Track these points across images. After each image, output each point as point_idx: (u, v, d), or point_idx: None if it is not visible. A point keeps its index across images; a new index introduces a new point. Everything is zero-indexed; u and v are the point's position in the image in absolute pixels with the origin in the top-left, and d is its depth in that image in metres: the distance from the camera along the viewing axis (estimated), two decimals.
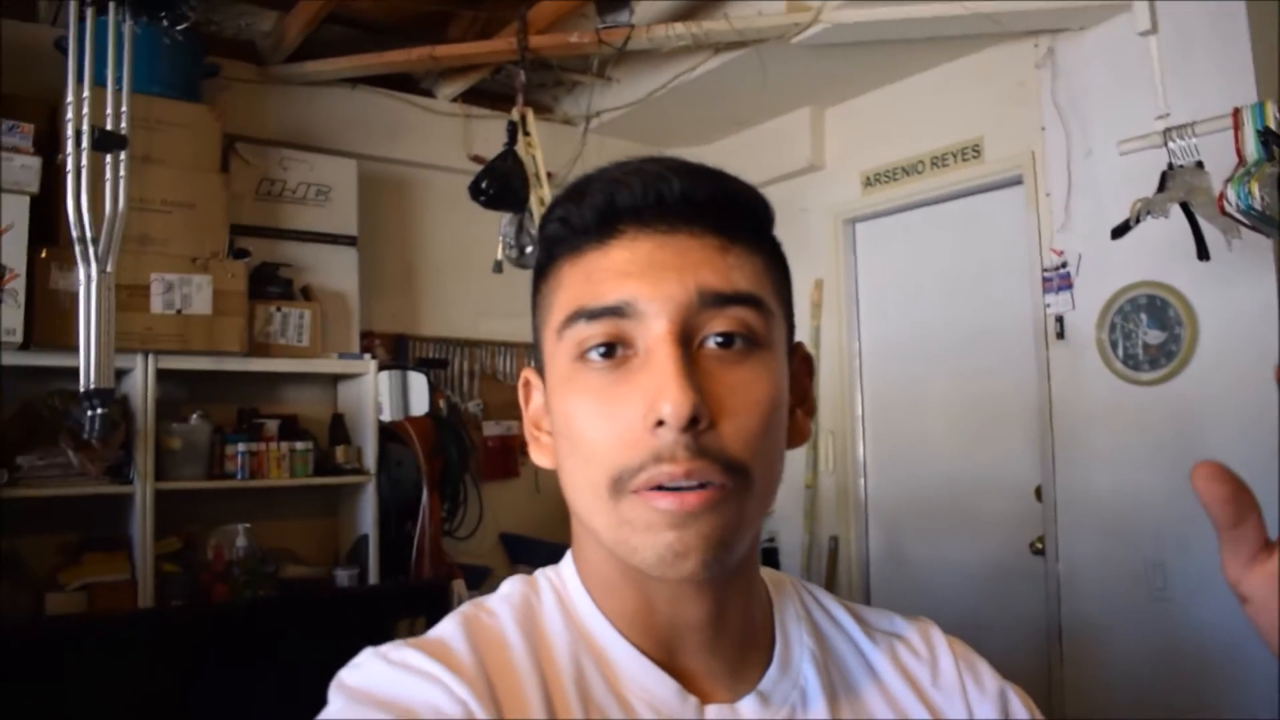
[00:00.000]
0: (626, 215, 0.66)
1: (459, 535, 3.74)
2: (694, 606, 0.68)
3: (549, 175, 3.33)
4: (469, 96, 4.04)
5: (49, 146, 2.80)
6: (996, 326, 3.57)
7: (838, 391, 4.08)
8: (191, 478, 3.06)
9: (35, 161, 2.75)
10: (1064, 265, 3.27)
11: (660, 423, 0.60)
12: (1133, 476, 3.08)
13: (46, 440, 2.84)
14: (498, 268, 3.34)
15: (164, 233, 2.98)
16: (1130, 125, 2.73)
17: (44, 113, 2.87)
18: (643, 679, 0.68)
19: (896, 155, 3.86)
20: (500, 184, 3.18)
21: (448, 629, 0.69)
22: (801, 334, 4.05)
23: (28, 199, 2.74)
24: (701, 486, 0.61)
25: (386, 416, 3.55)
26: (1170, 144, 2.51)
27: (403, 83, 3.92)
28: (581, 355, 0.65)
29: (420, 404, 3.67)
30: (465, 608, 0.72)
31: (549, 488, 4.20)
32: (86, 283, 2.60)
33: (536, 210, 3.21)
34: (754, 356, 0.65)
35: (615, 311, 0.63)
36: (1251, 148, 2.34)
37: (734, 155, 4.29)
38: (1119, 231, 2.60)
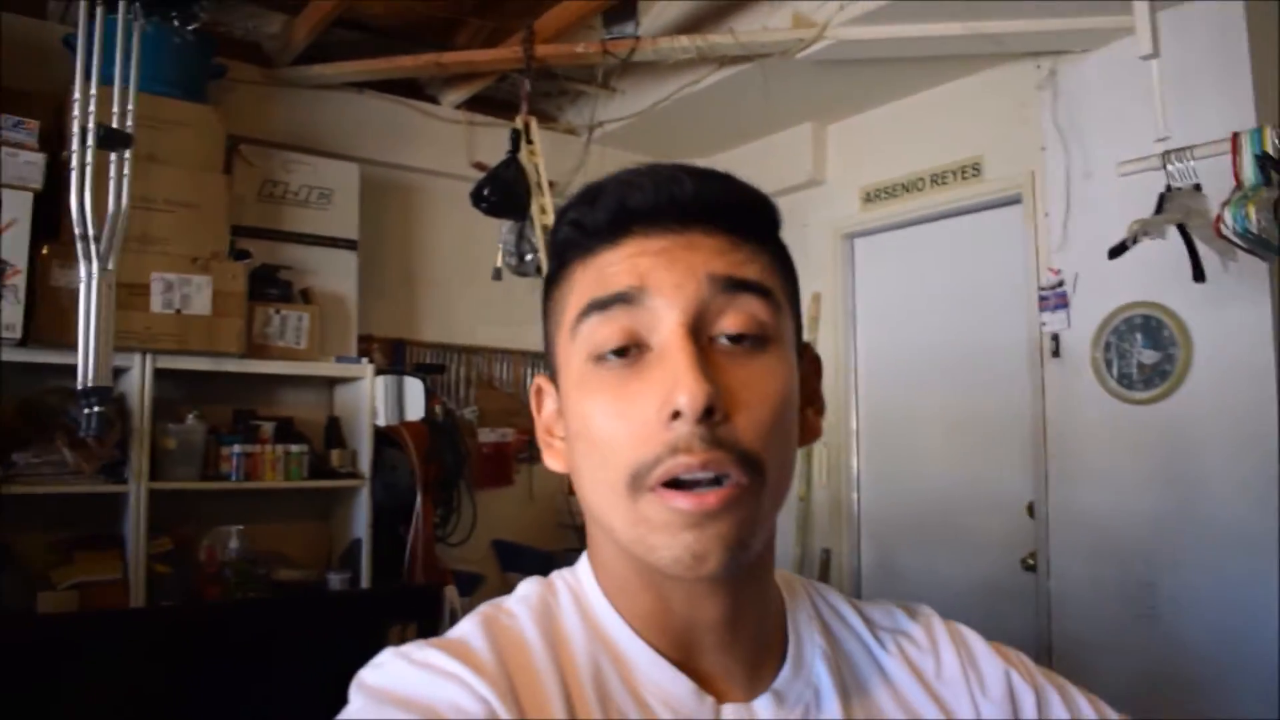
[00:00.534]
0: (639, 217, 0.66)
1: (452, 541, 3.74)
2: (710, 606, 0.68)
3: (551, 184, 3.35)
4: (473, 104, 4.05)
5: (54, 143, 2.81)
6: (992, 344, 3.59)
7: (833, 405, 4.06)
8: (186, 478, 3.06)
9: (40, 158, 2.76)
10: (1061, 284, 3.29)
11: (676, 414, 0.60)
12: (1125, 495, 3.10)
13: (42, 437, 2.84)
14: (497, 275, 3.35)
15: (166, 232, 2.99)
16: (1129, 147, 2.75)
17: (50, 109, 2.88)
18: (659, 679, 0.68)
19: (897, 172, 3.88)
20: (502, 192, 3.19)
21: (467, 629, 0.69)
22: None
23: (31, 195, 2.74)
24: (718, 482, 0.61)
25: (382, 421, 3.55)
26: (1169, 166, 2.53)
27: (408, 88, 3.94)
28: (596, 357, 0.65)
29: (416, 409, 3.67)
30: (484, 608, 0.73)
31: (542, 496, 4.23)
32: (87, 280, 2.60)
33: (537, 219, 3.23)
34: (765, 352, 0.66)
35: (625, 298, 0.64)
36: (1249, 172, 2.36)
37: (736, 168, 4.08)
38: (1116, 252, 2.62)
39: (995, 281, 3.59)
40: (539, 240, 3.22)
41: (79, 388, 2.60)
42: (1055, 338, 3.31)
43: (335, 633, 2.95)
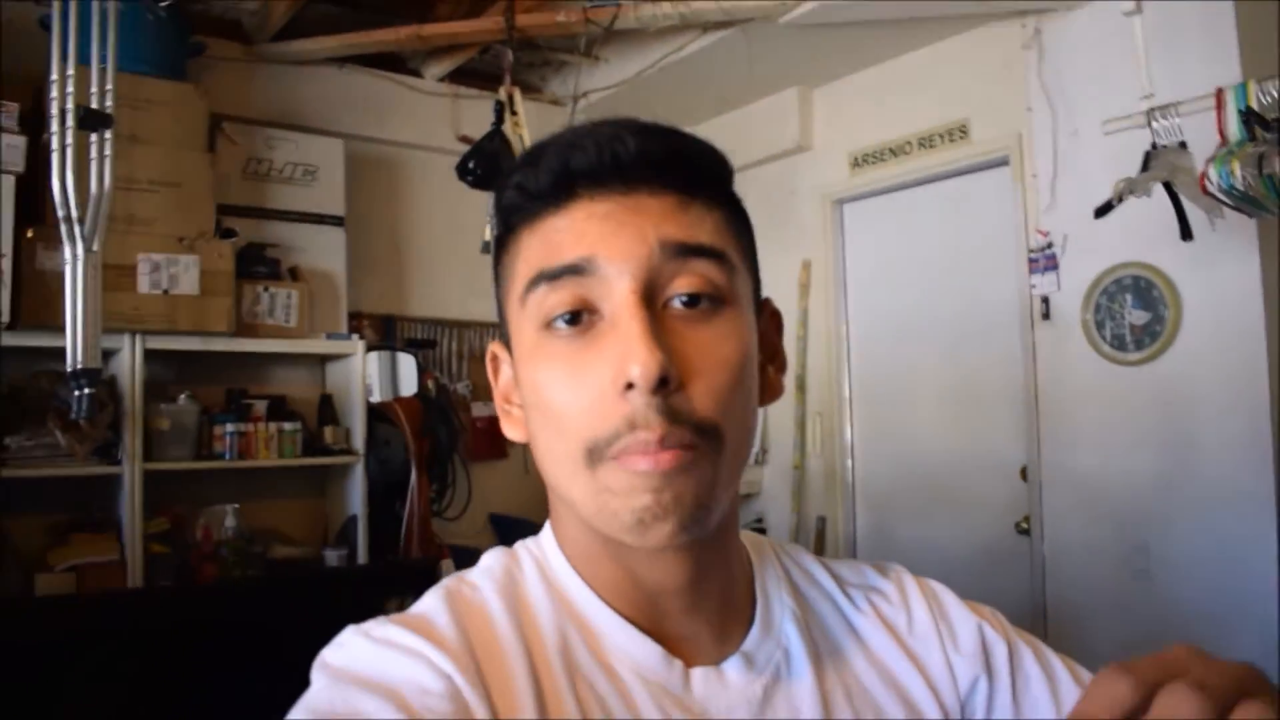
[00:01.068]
0: (582, 178, 0.65)
1: (448, 516, 3.75)
2: (674, 571, 0.68)
3: None
4: (457, 76, 4.03)
5: (35, 126, 2.79)
6: (983, 307, 3.58)
7: (825, 373, 4.09)
8: (180, 458, 3.07)
9: (21, 141, 2.75)
10: (1050, 246, 3.28)
11: (630, 385, 0.60)
12: (1118, 457, 3.11)
13: (34, 421, 2.84)
14: (486, 248, 3.33)
15: (150, 212, 2.97)
16: (1116, 106, 2.74)
17: (29, 92, 2.86)
18: (627, 645, 0.68)
19: (884, 136, 3.86)
20: (487, 164, 3.17)
21: (430, 603, 0.68)
22: (789, 315, 4.04)
23: (13, 179, 2.73)
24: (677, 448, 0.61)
25: (375, 397, 3.55)
26: (1154, 124, 2.52)
27: (390, 62, 3.91)
28: (547, 324, 0.64)
29: (409, 385, 3.66)
30: (447, 581, 0.72)
31: (537, 468, 4.20)
32: (73, 262, 2.58)
33: None
34: (720, 314, 0.65)
35: (575, 270, 0.63)
36: (1234, 128, 2.35)
37: (722, 136, 4.13)
38: (1102, 211, 2.61)
39: (984, 244, 3.58)
40: None
41: (68, 370, 2.59)
42: (1045, 300, 3.31)
43: (333, 609, 2.96)
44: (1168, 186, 2.51)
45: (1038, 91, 3.30)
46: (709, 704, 0.68)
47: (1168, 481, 2.97)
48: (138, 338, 2.96)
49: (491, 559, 0.75)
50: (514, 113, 3.27)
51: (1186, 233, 2.54)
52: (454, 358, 4.05)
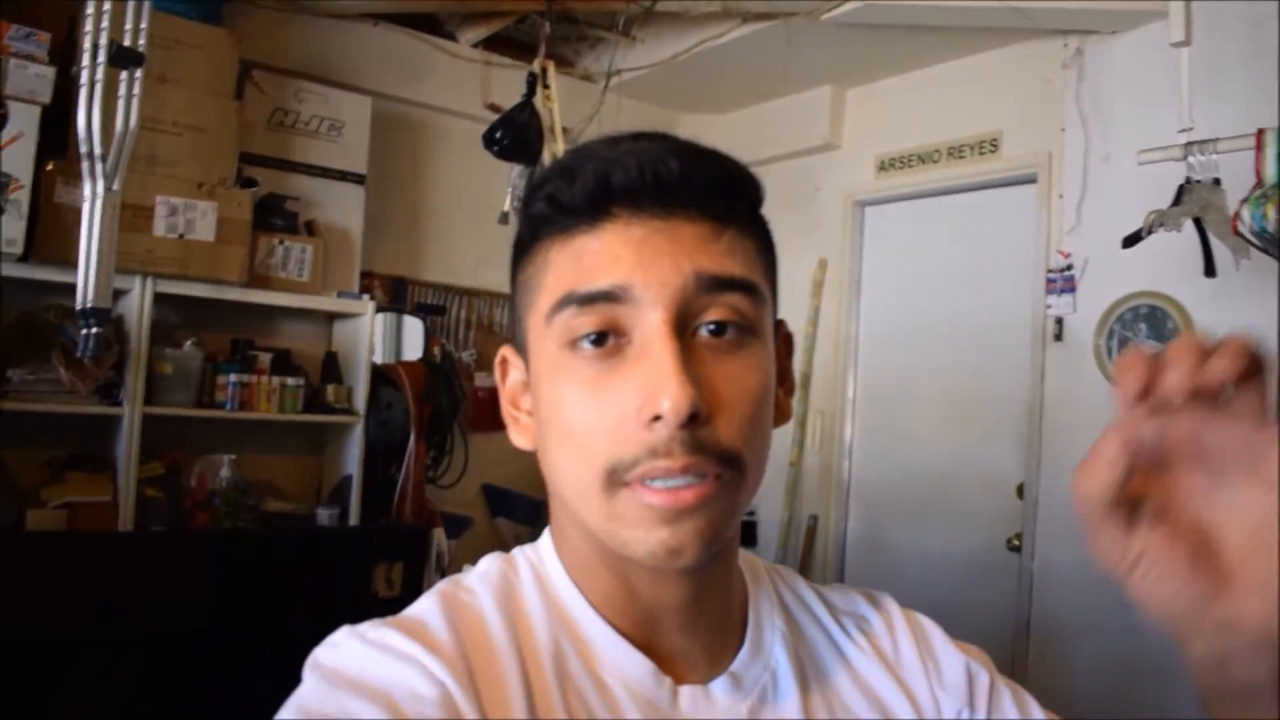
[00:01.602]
0: (620, 197, 0.63)
1: (442, 484, 3.75)
2: (675, 591, 0.68)
3: (564, 131, 3.30)
4: (490, 43, 3.99)
5: (64, 58, 2.76)
6: (996, 322, 3.58)
7: (830, 372, 4.08)
8: (180, 404, 3.05)
9: (49, 71, 2.71)
10: (1069, 268, 3.27)
11: (657, 418, 0.59)
12: None
13: (39, 355, 2.83)
14: (504, 219, 3.32)
15: (173, 155, 2.95)
16: (1149, 134, 2.73)
17: (62, 22, 2.82)
18: (619, 659, 0.68)
19: (914, 142, 3.84)
20: (516, 135, 3.15)
21: (426, 607, 0.68)
22: (801, 312, 4.02)
23: (39, 109, 2.70)
24: (697, 479, 0.61)
25: (380, 359, 3.54)
26: (1190, 158, 2.51)
27: (426, 23, 3.87)
28: (572, 343, 0.63)
29: (414, 349, 3.66)
30: (443, 585, 0.72)
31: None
32: (91, 199, 2.57)
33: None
34: (747, 346, 0.64)
35: (609, 296, 0.62)
36: (1271, 170, 2.34)
37: (751, 128, 4.26)
38: (1131, 241, 2.61)
39: (1004, 260, 3.57)
40: None
41: (78, 308, 2.58)
42: (1059, 321, 3.30)
43: (322, 568, 2.97)
44: (1197, 222, 2.50)
45: (1073, 112, 3.29)
46: None
47: None
48: (149, 280, 2.94)
49: (488, 564, 0.75)
50: (546, 86, 3.25)
51: (1211, 269, 2.54)
52: (462, 325, 4.03)
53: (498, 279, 4.04)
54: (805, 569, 4.03)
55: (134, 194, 2.78)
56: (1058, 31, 3.31)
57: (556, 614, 0.70)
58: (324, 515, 3.31)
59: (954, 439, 3.71)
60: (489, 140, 3.15)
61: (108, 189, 2.58)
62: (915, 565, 3.71)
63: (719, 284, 0.63)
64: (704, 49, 3.72)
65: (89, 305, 2.57)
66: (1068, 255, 3.27)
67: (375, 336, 3.47)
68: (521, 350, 0.71)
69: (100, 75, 2.53)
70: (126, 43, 2.59)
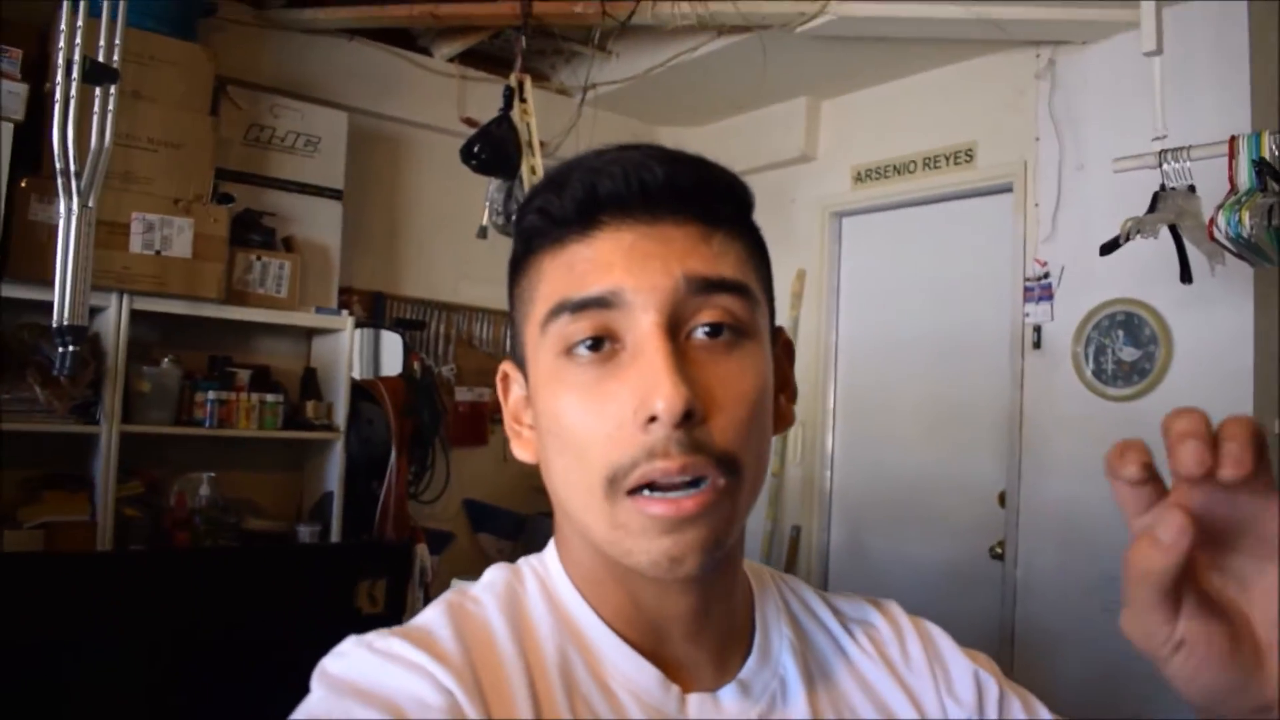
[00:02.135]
0: (609, 205, 0.64)
1: (424, 499, 3.73)
2: (681, 600, 0.68)
3: (541, 144, 3.30)
4: (466, 58, 3.99)
5: (38, 74, 2.74)
6: (974, 331, 3.60)
7: (811, 383, 4.09)
8: (159, 422, 3.02)
9: (22, 88, 2.69)
10: (1046, 276, 3.30)
11: (653, 419, 0.60)
12: (1096, 490, 3.11)
13: (14, 374, 2.79)
14: (482, 233, 3.32)
15: (148, 171, 2.93)
16: (1123, 143, 2.76)
17: (35, 39, 2.80)
18: (626, 668, 0.68)
19: (889, 153, 3.86)
20: (493, 149, 3.15)
21: (433, 617, 0.68)
22: (780, 323, 4.06)
23: (12, 126, 2.67)
24: (695, 484, 0.61)
25: (359, 374, 3.51)
26: (1165, 166, 2.54)
27: (401, 38, 3.87)
28: (567, 350, 0.64)
29: (394, 364, 3.64)
30: (450, 595, 0.72)
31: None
32: (67, 216, 2.55)
33: (527, 178, 3.19)
34: (741, 347, 0.65)
35: (600, 302, 0.63)
36: (1244, 176, 2.36)
37: (727, 140, 4.28)
38: (1108, 248, 2.63)
39: (981, 269, 3.60)
40: None
41: (54, 325, 2.56)
42: (1037, 329, 3.33)
43: (304, 585, 2.95)
44: (1172, 229, 2.53)
45: (1047, 122, 3.32)
46: None
47: None
48: (125, 297, 2.91)
49: (494, 574, 0.75)
50: (523, 99, 3.25)
51: (1187, 275, 2.56)
52: (441, 340, 4.02)
53: (477, 293, 4.04)
54: None
55: (109, 211, 2.76)
56: (1030, 42, 3.35)
57: (562, 623, 0.70)
58: (305, 532, 3.28)
59: (935, 448, 3.72)
60: (467, 154, 3.15)
61: (84, 206, 2.57)
62: (899, 575, 3.72)
63: (710, 286, 0.64)
64: (679, 62, 3.74)
65: (65, 323, 2.55)
66: (1044, 263, 3.30)
67: (354, 352, 3.45)
68: (521, 364, 0.71)
69: (74, 92, 2.52)
70: (101, 59, 2.58)
